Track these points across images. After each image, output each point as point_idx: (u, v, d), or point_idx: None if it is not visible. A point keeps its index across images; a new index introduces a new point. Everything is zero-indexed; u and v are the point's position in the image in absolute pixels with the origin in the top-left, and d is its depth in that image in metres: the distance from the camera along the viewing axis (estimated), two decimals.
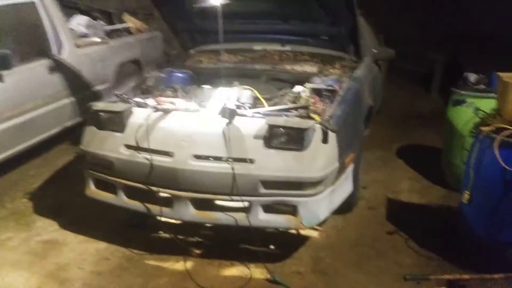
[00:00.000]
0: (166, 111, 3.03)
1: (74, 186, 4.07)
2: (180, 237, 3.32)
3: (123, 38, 5.68)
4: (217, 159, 2.81)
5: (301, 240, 3.30)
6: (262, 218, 2.84)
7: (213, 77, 3.85)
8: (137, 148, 2.96)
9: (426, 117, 6.08)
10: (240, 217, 2.86)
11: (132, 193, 3.06)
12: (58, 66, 4.47)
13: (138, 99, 3.26)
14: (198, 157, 2.84)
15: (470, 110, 3.79)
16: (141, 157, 2.92)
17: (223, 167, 2.78)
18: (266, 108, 3.12)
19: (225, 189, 2.80)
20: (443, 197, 3.97)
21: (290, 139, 2.78)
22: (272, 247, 3.21)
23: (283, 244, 3.24)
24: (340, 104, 3.11)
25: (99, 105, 3.13)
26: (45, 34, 4.41)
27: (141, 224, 3.46)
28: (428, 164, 4.45)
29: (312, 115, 2.93)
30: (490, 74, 3.83)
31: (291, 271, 3.00)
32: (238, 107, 3.08)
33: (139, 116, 3.05)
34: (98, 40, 5.15)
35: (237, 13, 3.96)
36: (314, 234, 3.38)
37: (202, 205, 2.93)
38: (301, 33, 4.07)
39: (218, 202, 2.94)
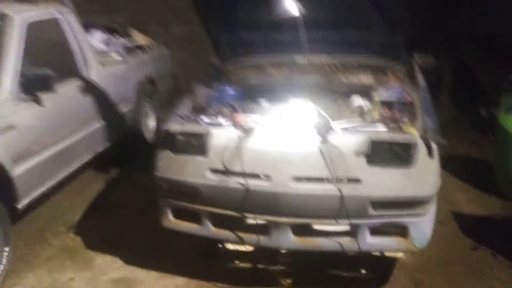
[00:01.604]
0: (250, 131, 2.80)
1: (122, 216, 3.82)
2: (260, 266, 3.09)
3: (139, 55, 5.38)
4: (321, 180, 2.62)
5: (387, 262, 3.13)
6: (370, 242, 2.67)
7: (264, 92, 3.66)
8: (226, 172, 2.72)
9: (445, 126, 6.07)
10: (346, 242, 2.68)
11: (219, 221, 2.82)
12: (88, 87, 4.14)
13: (213, 119, 3.02)
14: (298, 179, 2.63)
15: None
16: (233, 182, 2.69)
17: (329, 189, 2.59)
18: (353, 123, 2.95)
19: (331, 212, 2.61)
20: (503, 207, 3.92)
21: (396, 155, 2.62)
22: (363, 271, 3.03)
23: (371, 268, 3.06)
24: (426, 116, 2.99)
25: (176, 127, 2.88)
26: (72, 52, 4.09)
27: (212, 254, 3.21)
28: (472, 173, 4.42)
29: (406, 128, 2.80)
30: None
31: None
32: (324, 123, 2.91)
33: (221, 137, 2.82)
34: (119, 58, 4.85)
35: (286, 23, 3.81)
36: (398, 254, 3.22)
37: (302, 231, 2.72)
38: (351, 42, 3.93)
39: (318, 227, 2.74)
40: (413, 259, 3.18)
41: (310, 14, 3.69)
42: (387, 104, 3.22)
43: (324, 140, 2.67)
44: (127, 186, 4.45)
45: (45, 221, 3.78)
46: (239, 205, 2.69)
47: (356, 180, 2.59)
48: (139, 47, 5.47)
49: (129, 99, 4.90)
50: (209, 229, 2.83)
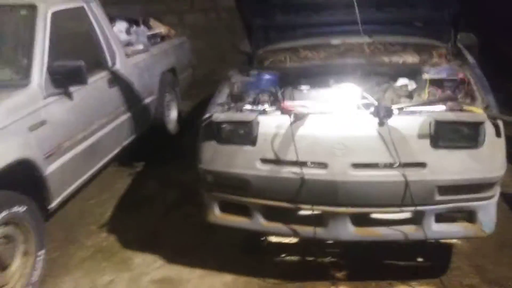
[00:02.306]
0: (301, 117, 2.61)
1: (154, 212, 3.66)
2: (309, 258, 2.93)
3: (160, 45, 5.20)
4: (382, 166, 2.44)
5: (443, 248, 2.96)
6: (436, 229, 2.48)
7: (303, 77, 3.47)
8: (278, 162, 2.54)
9: None
10: (410, 230, 2.50)
11: (271, 214, 2.64)
12: (115, 79, 3.97)
13: (257, 107, 2.84)
14: (357, 166, 2.45)
15: None
16: (287, 171, 2.51)
17: (391, 175, 2.40)
18: (410, 103, 2.76)
19: (395, 199, 2.43)
20: None
21: (462, 136, 2.43)
22: (420, 259, 2.86)
23: (428, 256, 2.89)
24: (485, 93, 2.79)
25: (221, 116, 2.69)
26: (98, 42, 3.91)
27: (255, 247, 3.05)
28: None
29: (467, 107, 2.61)
30: None
31: (464, 284, 2.66)
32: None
33: (269, 124, 2.63)
34: (142, 47, 4.66)
35: (325, 3, 3.62)
36: (451, 240, 3.04)
37: (362, 221, 2.54)
38: (393, 21, 3.72)
39: (378, 216, 2.56)
40: (469, 244, 3.00)
41: None
42: (437, 83, 3.03)
43: (384, 124, 2.47)
44: (154, 180, 4.29)
45: (73, 220, 3.62)
46: (294, 196, 2.52)
47: (421, 164, 2.41)
48: (161, 37, 5.28)
49: (152, 90, 4.71)
50: (260, 223, 2.65)
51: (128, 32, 4.75)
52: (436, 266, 2.80)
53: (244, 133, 2.62)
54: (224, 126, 2.67)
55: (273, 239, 3.01)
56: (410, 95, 3.09)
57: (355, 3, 3.49)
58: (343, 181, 2.43)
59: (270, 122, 2.63)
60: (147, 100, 4.57)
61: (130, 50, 4.44)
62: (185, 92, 5.98)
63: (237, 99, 3.13)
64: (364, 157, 2.46)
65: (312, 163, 2.49)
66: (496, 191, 2.49)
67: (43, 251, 2.86)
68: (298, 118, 2.59)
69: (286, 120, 2.60)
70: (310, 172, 2.47)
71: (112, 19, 4.62)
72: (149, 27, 5.43)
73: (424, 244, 2.78)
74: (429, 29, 3.68)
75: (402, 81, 3.27)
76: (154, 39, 5.18)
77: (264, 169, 2.56)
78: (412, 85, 3.23)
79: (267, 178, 2.55)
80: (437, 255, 2.87)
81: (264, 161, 2.57)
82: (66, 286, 2.90)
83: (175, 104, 5.40)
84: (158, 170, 4.42)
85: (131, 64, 4.30)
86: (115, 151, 3.95)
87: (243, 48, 4.14)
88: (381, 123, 2.49)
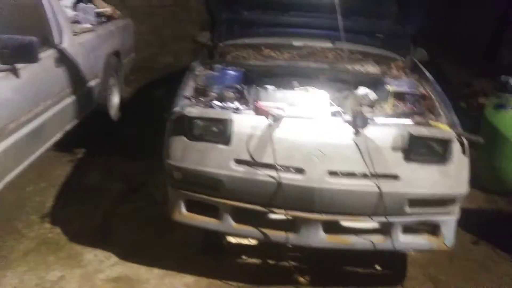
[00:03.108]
0: (279, 119, 2.56)
1: (102, 204, 3.43)
2: (270, 261, 2.90)
3: (106, 25, 4.88)
4: (358, 175, 2.46)
5: (398, 258, 3.06)
6: (403, 241, 2.55)
7: (265, 76, 3.43)
8: (254, 164, 2.47)
9: None
10: (378, 240, 2.55)
11: (241, 216, 2.57)
12: (62, 58, 3.65)
13: (229, 104, 2.74)
14: (333, 173, 2.45)
15: None
16: (263, 174, 2.45)
17: (367, 185, 2.43)
18: (381, 114, 2.81)
19: (368, 209, 2.47)
20: (489, 201, 4.01)
21: (433, 151, 2.52)
22: (378, 267, 2.94)
23: (385, 264, 2.98)
24: (448, 110, 2.91)
25: (193, 111, 2.56)
26: (46, 18, 3.58)
27: (213, 247, 2.96)
28: None
29: (433, 123, 2.71)
30: None
31: None
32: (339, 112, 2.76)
33: (245, 124, 2.55)
34: (89, 26, 4.34)
35: (294, 4, 3.59)
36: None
37: (333, 228, 2.55)
38: (357, 30, 3.78)
39: (349, 224, 2.58)
40: (422, 255, 3.13)
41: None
42: (399, 96, 3.11)
43: (360, 133, 2.50)
44: (97, 169, 4.02)
45: (11, 209, 3.29)
46: (268, 200, 2.47)
47: (394, 176, 2.46)
48: (107, 17, 4.95)
49: (97, 72, 4.41)
50: (229, 225, 2.57)
51: (74, 8, 4.39)
52: (393, 275, 2.88)
53: (218, 131, 2.52)
54: (196, 122, 2.54)
55: (233, 239, 2.94)
56: (372, 105, 3.14)
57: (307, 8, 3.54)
58: (320, 188, 2.42)
59: (245, 122, 2.55)
60: (92, 83, 4.27)
61: (78, 28, 4.11)
62: (126, 77, 5.69)
63: (201, 93, 3.01)
64: (340, 165, 2.46)
65: (288, 167, 2.45)
66: (458, 207, 2.61)
67: None
68: (276, 120, 2.53)
69: (262, 121, 2.54)
70: (287, 177, 2.43)
71: None
72: (94, 5, 5.07)
73: (382, 252, 2.85)
74: (389, 41, 3.79)
75: (362, 90, 3.32)
76: (99, 18, 4.84)
77: (238, 170, 2.48)
78: (372, 95, 3.30)
79: (241, 180, 2.47)
80: (393, 264, 2.95)
81: (239, 161, 2.49)
82: (8, 281, 2.63)
83: (118, 90, 5.10)
84: (100, 159, 4.15)
85: (78, 43, 3.98)
86: (58, 136, 3.65)
87: (200, 39, 4.00)
88: (357, 132, 2.51)
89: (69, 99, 3.77)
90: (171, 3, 7.29)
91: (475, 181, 4.01)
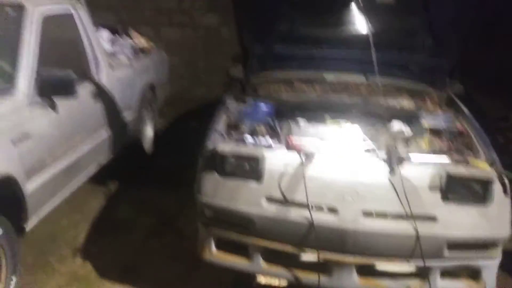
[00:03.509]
0: (312, 157, 2.52)
1: (133, 238, 3.45)
2: None
3: (142, 58, 4.98)
4: (394, 216, 2.38)
5: None
6: (441, 285, 2.44)
7: (298, 110, 3.40)
8: (285, 202, 2.43)
9: None
10: (415, 285, 2.44)
11: (272, 256, 2.51)
12: (99, 93, 3.74)
13: (261, 140, 2.72)
14: (368, 214, 2.38)
15: None
16: (295, 214, 2.40)
17: (403, 227, 2.35)
18: (416, 151, 2.73)
19: (404, 252, 2.37)
20: None
21: (472, 191, 2.42)
22: None
23: None
24: (487, 147, 2.81)
25: (226, 148, 2.55)
26: (85, 52, 3.69)
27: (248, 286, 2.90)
28: None
29: (472, 161, 2.61)
30: None
31: None
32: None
33: (276, 161, 2.52)
34: (126, 60, 4.45)
35: (326, 38, 3.59)
36: None
37: (367, 271, 2.46)
38: (391, 63, 3.72)
39: (382, 267, 2.48)
40: None
41: (351, 31, 3.49)
42: (436, 132, 3.03)
43: (395, 172, 2.42)
44: (131, 203, 4.04)
45: (44, 242, 3.32)
46: (300, 240, 2.41)
47: (432, 218, 2.37)
48: (142, 50, 5.07)
49: (133, 106, 4.49)
50: (259, 265, 2.52)
51: (111, 42, 4.52)
52: None
53: (250, 168, 2.50)
54: (228, 158, 2.53)
55: (263, 279, 2.87)
56: (407, 141, 3.07)
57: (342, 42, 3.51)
58: (354, 229, 2.35)
59: (277, 159, 2.53)
60: (127, 117, 4.35)
61: (115, 61, 4.22)
62: (160, 110, 5.78)
63: (233, 127, 3.01)
64: (375, 205, 2.39)
65: (321, 207, 2.39)
66: (500, 251, 2.48)
67: (16, 278, 2.59)
68: (309, 157, 2.49)
69: (294, 157, 2.50)
70: (319, 217, 2.37)
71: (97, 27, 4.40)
72: (129, 38, 5.21)
73: None
74: (425, 74, 3.72)
75: (397, 125, 3.25)
76: (135, 51, 4.96)
77: (269, 209, 2.44)
78: (407, 130, 3.23)
79: (272, 219, 2.43)
80: None
81: (270, 199, 2.45)
82: None
83: (152, 122, 5.18)
84: (134, 193, 4.17)
85: (115, 77, 4.08)
86: (93, 170, 3.71)
87: (233, 73, 4.03)
88: (392, 171, 2.44)
89: (105, 133, 3.84)
90: (204, 34, 7.42)
91: None
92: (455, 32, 3.25)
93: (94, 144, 3.61)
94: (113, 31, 5.05)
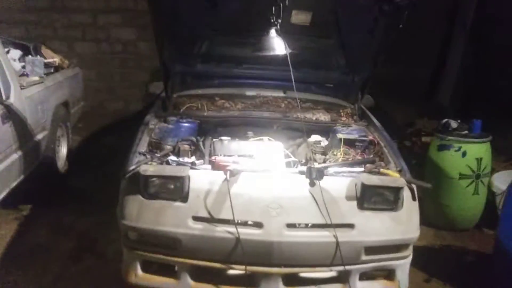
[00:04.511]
0: (235, 174, 2.57)
1: (52, 265, 3.31)
2: None
3: (54, 76, 4.80)
4: (316, 226, 2.50)
5: None
6: (360, 287, 2.60)
7: (221, 126, 3.47)
8: (212, 220, 2.46)
9: None
10: None
11: (200, 274, 2.53)
12: (8, 114, 3.54)
13: (184, 159, 2.74)
14: (291, 226, 2.48)
15: (458, 154, 4.10)
16: (221, 230, 2.44)
17: (324, 236, 2.48)
18: (332, 163, 2.90)
19: (326, 259, 2.50)
20: (437, 237, 4.16)
21: (385, 199, 2.61)
22: None
23: None
24: (396, 156, 3.03)
25: (149, 169, 2.53)
26: None
27: None
28: None
29: (385, 170, 2.81)
30: (471, 121, 4.21)
31: None
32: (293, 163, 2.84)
33: (201, 180, 2.55)
34: (37, 79, 4.25)
35: (246, 58, 3.69)
36: None
37: (292, 280, 2.55)
38: (308, 81, 3.91)
39: (307, 275, 2.60)
40: None
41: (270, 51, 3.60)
42: (350, 143, 3.22)
43: (315, 184, 2.55)
44: (46, 226, 3.85)
45: None
46: (227, 256, 2.45)
47: (350, 226, 2.52)
48: (55, 67, 4.87)
49: (45, 124, 4.30)
50: (188, 284, 2.52)
51: (21, 60, 4.30)
52: None
53: (175, 189, 2.51)
54: (152, 180, 2.52)
55: None
56: (324, 153, 3.24)
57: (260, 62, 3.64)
58: (279, 242, 2.43)
59: (202, 178, 2.56)
60: (39, 136, 4.16)
61: (25, 81, 4.02)
62: (75, 126, 5.58)
63: (156, 147, 3.00)
64: (298, 217, 2.50)
65: (247, 222, 2.45)
66: (411, 250, 2.70)
67: None
68: (233, 175, 2.55)
69: (218, 176, 2.55)
70: (245, 232, 2.43)
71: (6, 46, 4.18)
72: (41, 56, 4.98)
73: None
74: (338, 89, 3.95)
75: (315, 137, 3.42)
76: (47, 69, 4.76)
77: (196, 228, 2.46)
78: (324, 142, 3.41)
79: (199, 237, 2.45)
80: None
81: (197, 218, 2.47)
82: None
83: (66, 140, 4.98)
84: (48, 214, 3.98)
85: (25, 97, 3.89)
86: (3, 194, 3.50)
87: (152, 89, 4.01)
88: (312, 184, 2.56)
89: (15, 155, 3.65)
90: (121, 50, 7.27)
91: (423, 218, 4.20)
92: (365, 53, 3.48)
93: (3, 168, 3.41)
94: (24, 48, 4.83)
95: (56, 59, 5.06)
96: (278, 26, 2.99)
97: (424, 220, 4.19)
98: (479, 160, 4.11)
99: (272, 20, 2.95)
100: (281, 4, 2.86)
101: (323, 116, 3.71)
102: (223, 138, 3.14)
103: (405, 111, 6.66)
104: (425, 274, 3.49)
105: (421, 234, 4.01)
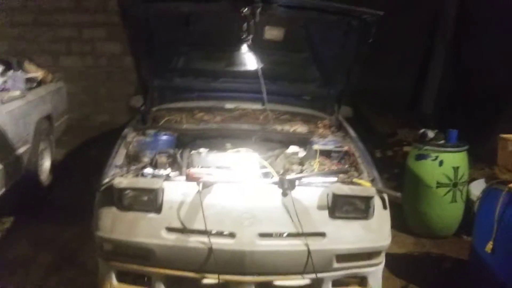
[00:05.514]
0: (209, 185, 2.62)
1: (33, 276, 3.32)
2: None
3: (37, 90, 4.84)
4: (287, 235, 2.54)
5: None
6: None
7: (199, 139, 3.52)
8: (185, 231, 2.50)
9: None
10: None
11: (174, 284, 2.56)
12: None
13: (159, 171, 2.78)
14: (263, 235, 2.52)
15: (435, 163, 4.18)
16: (194, 241, 2.48)
17: (295, 245, 2.52)
18: (308, 173, 2.95)
19: (298, 268, 2.54)
20: (417, 244, 4.22)
21: (356, 208, 2.66)
22: None
23: None
24: (369, 166, 3.09)
25: (123, 182, 2.57)
26: None
27: None
28: None
29: (357, 180, 2.87)
30: (447, 130, 4.30)
31: None
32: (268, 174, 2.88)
33: (174, 192, 2.59)
34: (18, 93, 4.28)
35: (223, 72, 3.76)
36: None
37: None
38: (284, 93, 3.98)
39: (280, 283, 2.63)
40: None
41: (246, 65, 3.68)
42: (325, 153, 3.28)
43: (287, 195, 2.60)
44: (26, 238, 3.87)
45: None
46: (200, 266, 2.49)
47: (321, 234, 2.57)
48: (37, 81, 4.91)
49: (26, 138, 4.33)
50: None
51: (3, 75, 4.34)
52: None
53: (149, 200, 2.54)
54: (126, 192, 2.55)
55: None
56: (301, 163, 3.29)
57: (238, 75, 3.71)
58: (251, 251, 2.47)
59: (176, 189, 2.60)
60: (20, 150, 4.18)
61: (6, 96, 4.05)
62: (58, 139, 5.60)
63: (133, 159, 3.04)
64: (270, 227, 2.54)
65: (220, 232, 2.50)
66: (383, 257, 2.75)
67: None
68: (206, 186, 2.59)
69: (192, 187, 2.59)
70: (218, 242, 2.47)
71: None
72: (23, 70, 5.01)
73: None
74: (316, 102, 4.02)
75: (292, 149, 3.48)
76: (30, 83, 4.80)
77: (169, 238, 2.49)
78: (301, 153, 3.46)
79: (173, 248, 2.49)
80: None
81: (170, 229, 2.51)
82: None
83: (49, 153, 5.01)
84: (29, 227, 4.01)
85: (6, 112, 3.92)
86: None
87: (133, 103, 4.05)
88: (284, 194, 2.61)
89: None
90: (106, 63, 7.33)
91: (403, 225, 4.27)
92: (338, 66, 3.56)
93: None
94: (6, 63, 4.86)
95: (39, 74, 5.09)
96: (250, 41, 3.06)
97: (405, 228, 4.36)
98: (456, 169, 4.19)
99: (243, 36, 3.01)
100: (252, 21, 2.93)
101: (300, 128, 3.76)
102: (200, 150, 3.20)
103: (389, 121, 6.77)
104: (402, 281, 3.55)
105: (401, 242, 4.18)
